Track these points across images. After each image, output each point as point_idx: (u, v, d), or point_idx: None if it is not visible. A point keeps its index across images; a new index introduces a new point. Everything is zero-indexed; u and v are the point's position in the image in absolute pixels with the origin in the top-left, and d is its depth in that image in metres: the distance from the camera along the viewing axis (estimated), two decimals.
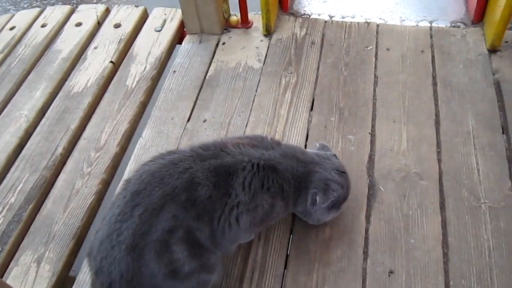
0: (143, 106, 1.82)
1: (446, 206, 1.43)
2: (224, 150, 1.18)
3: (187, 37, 2.05)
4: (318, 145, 1.42)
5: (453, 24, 2.01)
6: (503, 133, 1.61)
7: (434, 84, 1.77)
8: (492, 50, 1.85)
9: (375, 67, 1.84)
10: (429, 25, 2.02)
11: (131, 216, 1.04)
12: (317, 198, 1.26)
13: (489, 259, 1.31)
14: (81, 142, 1.70)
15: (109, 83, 1.89)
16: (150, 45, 2.02)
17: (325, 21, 2.06)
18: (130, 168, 1.58)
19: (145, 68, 1.92)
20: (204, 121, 1.72)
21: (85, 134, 1.73)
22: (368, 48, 1.92)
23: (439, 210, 1.42)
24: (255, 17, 2.07)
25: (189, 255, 1.09)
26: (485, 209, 1.42)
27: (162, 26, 2.09)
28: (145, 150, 1.64)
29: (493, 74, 1.78)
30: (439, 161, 1.53)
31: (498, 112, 1.66)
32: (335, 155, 1.38)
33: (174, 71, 1.90)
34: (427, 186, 1.48)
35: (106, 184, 1.60)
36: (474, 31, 1.95)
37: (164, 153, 1.19)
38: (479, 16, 1.97)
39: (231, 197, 1.13)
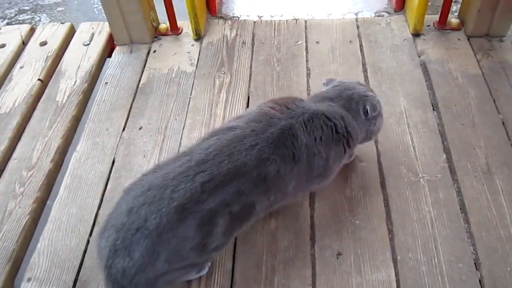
0: (76, 120, 1.76)
1: (386, 184, 1.45)
2: (273, 117, 1.20)
3: (117, 49, 2.01)
4: (325, 82, 1.44)
5: (377, 14, 2.07)
6: (433, 110, 1.66)
7: (365, 71, 1.81)
8: (416, 35, 1.93)
9: (307, 60, 1.87)
10: (355, 16, 2.07)
11: (193, 180, 1.05)
12: (367, 108, 1.32)
13: (432, 230, 1.34)
14: (12, 163, 1.62)
15: (38, 100, 1.82)
16: (79, 60, 1.96)
17: (254, 22, 2.08)
18: (66, 183, 1.52)
19: (75, 82, 1.86)
20: (140, 128, 1.68)
21: (15, 154, 1.64)
22: (298, 43, 1.94)
23: (381, 189, 1.44)
24: (185, 23, 2.06)
25: (226, 231, 1.11)
26: (424, 182, 1.45)
27: (91, 40, 2.04)
28: (81, 163, 1.58)
29: (419, 56, 1.85)
30: (376, 142, 1.56)
31: (427, 90, 1.72)
32: (358, 82, 1.43)
33: (106, 83, 1.86)
34: (367, 167, 1.50)
35: (41, 202, 1.52)
36: (397, 19, 2.02)
37: (222, 128, 1.20)
38: (401, 4, 2.05)
39: (298, 163, 1.17)
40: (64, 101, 1.80)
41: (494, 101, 1.66)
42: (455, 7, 2.37)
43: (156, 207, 1.03)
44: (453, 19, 1.95)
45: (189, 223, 1.04)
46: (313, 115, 1.23)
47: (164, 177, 1.07)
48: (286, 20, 2.06)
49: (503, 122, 1.60)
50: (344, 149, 1.29)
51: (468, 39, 1.91)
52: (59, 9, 3.17)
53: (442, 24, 1.95)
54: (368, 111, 1.32)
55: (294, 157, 1.17)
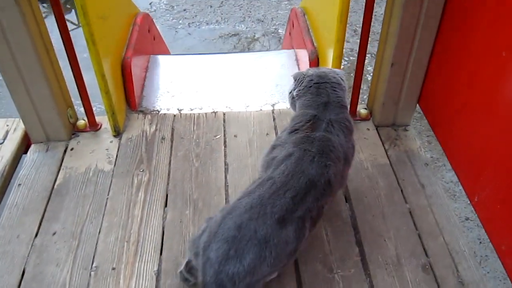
0: None
1: (303, 282, 1.47)
2: (309, 134, 1.46)
3: (32, 147, 1.97)
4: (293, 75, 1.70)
5: None
6: (345, 202, 1.73)
7: None
8: None
9: (225, 155, 1.91)
10: (272, 108, 2.16)
11: (284, 197, 1.31)
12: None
13: None
14: None
15: None
16: None
17: (174, 115, 2.12)
18: None
19: None
20: (54, 233, 1.63)
21: None
22: (217, 137, 1.99)
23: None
24: (104, 118, 2.06)
25: (307, 235, 1.38)
26: (338, 278, 1.49)
27: (4, 138, 1.99)
28: None
29: None
30: None
31: None
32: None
33: (19, 184, 1.80)
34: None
35: None
36: None
37: (282, 158, 1.42)
38: None
39: (341, 160, 1.45)
40: None
41: (401, 190, 1.76)
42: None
43: (263, 221, 1.27)
44: (362, 110, 2.08)
45: (289, 229, 1.30)
46: (329, 122, 1.49)
47: (261, 197, 1.31)
48: (206, 113, 2.12)
49: (410, 212, 1.69)
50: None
51: (377, 129, 2.03)
52: None
53: (353, 115, 2.06)
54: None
55: (339, 157, 1.44)
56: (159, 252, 1.57)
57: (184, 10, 5.32)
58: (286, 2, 5.36)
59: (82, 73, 1.91)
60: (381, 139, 1.97)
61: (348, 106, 1.63)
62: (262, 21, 5.06)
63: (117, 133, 2.00)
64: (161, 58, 2.54)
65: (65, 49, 1.81)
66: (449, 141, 1.74)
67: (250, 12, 5.25)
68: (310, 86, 1.58)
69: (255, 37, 4.78)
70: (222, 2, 5.46)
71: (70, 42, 1.79)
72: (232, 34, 4.83)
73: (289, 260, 1.39)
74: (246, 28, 4.96)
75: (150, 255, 1.56)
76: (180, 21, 5.10)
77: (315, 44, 2.15)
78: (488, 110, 1.48)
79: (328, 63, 1.92)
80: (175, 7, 5.36)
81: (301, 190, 1.33)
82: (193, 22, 5.09)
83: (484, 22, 1.47)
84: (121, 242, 1.60)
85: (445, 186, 2.98)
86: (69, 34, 1.78)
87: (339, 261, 1.54)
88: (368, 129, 2.02)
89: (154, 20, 5.07)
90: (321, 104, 1.53)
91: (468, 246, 1.59)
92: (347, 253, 1.56)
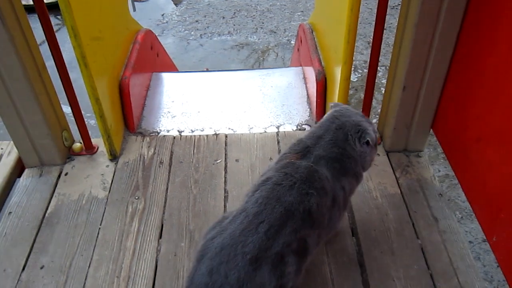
0: None
1: None
2: (295, 162, 1.32)
3: (25, 172, 1.89)
4: (332, 105, 1.51)
5: (299, 127, 2.06)
6: (352, 235, 1.61)
7: None
8: None
9: (225, 181, 1.81)
10: (276, 130, 2.05)
11: (257, 232, 1.18)
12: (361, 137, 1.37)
13: None
14: None
15: None
16: None
17: (174, 137, 2.02)
18: None
19: None
20: (42, 267, 1.54)
21: None
22: (218, 162, 1.89)
23: None
24: (101, 140, 1.97)
25: (297, 269, 1.23)
26: None
27: None
28: None
29: None
30: None
31: (347, 214, 1.67)
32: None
33: (10, 212, 1.72)
34: None
35: None
36: None
37: (259, 183, 1.30)
38: (321, 117, 2.04)
39: (328, 195, 1.29)
40: None
41: (413, 224, 1.63)
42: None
43: (233, 263, 1.16)
44: None
45: (263, 269, 1.17)
46: (331, 158, 1.34)
47: (232, 235, 1.20)
48: (207, 135, 2.02)
49: (422, 248, 1.56)
50: (356, 179, 1.41)
51: (387, 154, 1.91)
52: None
53: None
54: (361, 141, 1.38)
55: (325, 190, 1.29)
56: None
57: (196, 21, 5.26)
58: (299, 13, 5.26)
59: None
60: (391, 166, 1.85)
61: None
62: (275, 32, 4.96)
63: (114, 157, 1.91)
64: (164, 76, 2.46)
65: (57, 70, 1.73)
66: (465, 174, 1.61)
67: (263, 23, 5.17)
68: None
69: (269, 47, 4.69)
70: (234, 13, 5.38)
71: (62, 62, 1.71)
72: (246, 44, 4.75)
73: None
74: (259, 39, 4.87)
75: None
76: (192, 33, 5.04)
77: (322, 63, 2.04)
78: (504, 141, 1.36)
79: (336, 84, 1.81)
80: (187, 18, 5.30)
81: (275, 222, 1.20)
82: (205, 33, 5.02)
83: (506, 45, 1.35)
84: (111, 278, 1.51)
85: (461, 205, 2.82)
86: (60, 54, 1.70)
87: None
88: (378, 154, 1.90)
89: (166, 32, 5.08)
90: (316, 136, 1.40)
91: None
92: None
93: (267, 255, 1.17)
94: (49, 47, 1.69)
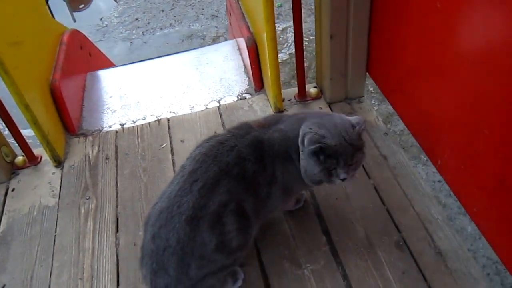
0: None
1: (271, 285, 1.36)
2: (251, 127, 1.30)
3: None
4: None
5: (239, 97, 2.04)
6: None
7: None
8: (279, 111, 1.90)
9: (173, 163, 1.79)
10: (218, 104, 2.03)
11: (190, 191, 1.17)
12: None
13: None
14: None
15: None
16: None
17: (117, 131, 1.99)
18: None
19: None
20: (3, 287, 1.50)
21: None
22: (163, 146, 1.86)
23: None
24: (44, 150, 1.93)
25: (238, 228, 1.21)
26: (308, 273, 1.38)
27: None
28: None
29: None
30: (254, 238, 1.47)
31: None
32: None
33: None
34: (247, 269, 1.40)
35: None
36: (259, 99, 2.01)
37: (207, 138, 1.30)
38: (260, 84, 2.04)
39: (267, 170, 1.26)
40: None
41: (363, 166, 1.64)
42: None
43: (171, 225, 1.16)
44: (311, 89, 1.96)
45: (201, 228, 1.16)
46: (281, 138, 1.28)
47: (169, 197, 1.20)
48: (149, 123, 1.99)
49: (375, 187, 1.58)
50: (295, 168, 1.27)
51: (329, 106, 1.91)
52: None
53: (302, 96, 1.95)
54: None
55: (263, 162, 1.25)
56: (116, 283, 1.46)
57: (136, 19, 5.16)
58: None
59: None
60: None
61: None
62: (217, 17, 4.91)
63: (58, 163, 1.86)
64: (100, 73, 2.40)
65: None
66: (404, 108, 1.62)
67: (203, 9, 5.10)
68: None
69: (218, 34, 4.63)
70: (173, 4, 5.29)
71: None
72: (190, 35, 4.68)
73: (229, 256, 1.24)
74: (201, 26, 4.81)
75: None
76: (134, 31, 4.94)
77: (251, 30, 2.02)
78: (433, 69, 1.37)
79: (265, 47, 1.79)
80: (126, 18, 5.19)
81: (208, 180, 1.18)
82: (147, 30, 4.93)
83: None
84: (74, 281, 1.48)
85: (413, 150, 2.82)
86: None
87: (307, 254, 1.43)
88: (321, 108, 1.90)
89: (107, 35, 4.98)
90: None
91: (441, 213, 1.49)
92: (314, 245, 1.45)
93: (202, 214, 1.16)
94: None
